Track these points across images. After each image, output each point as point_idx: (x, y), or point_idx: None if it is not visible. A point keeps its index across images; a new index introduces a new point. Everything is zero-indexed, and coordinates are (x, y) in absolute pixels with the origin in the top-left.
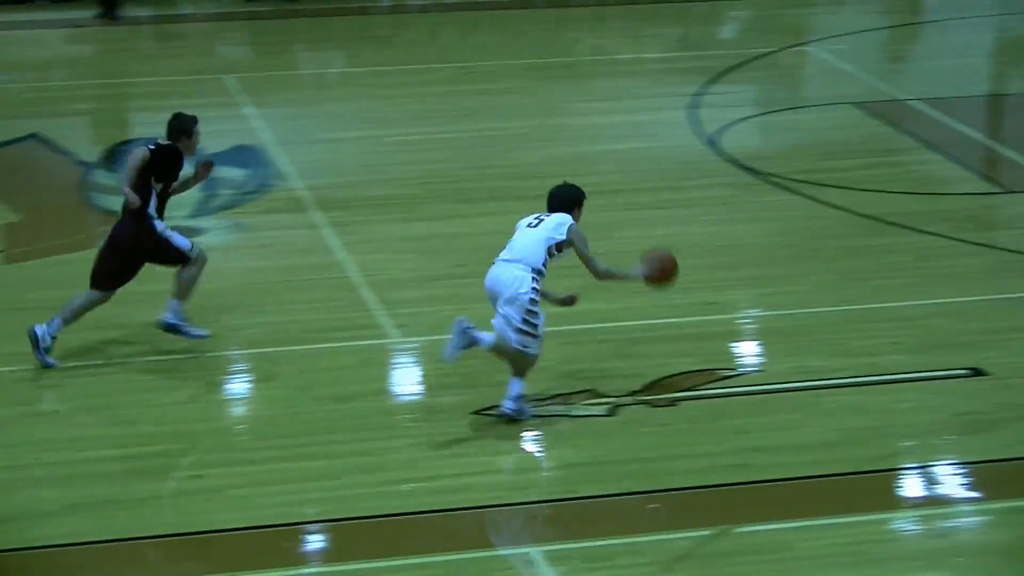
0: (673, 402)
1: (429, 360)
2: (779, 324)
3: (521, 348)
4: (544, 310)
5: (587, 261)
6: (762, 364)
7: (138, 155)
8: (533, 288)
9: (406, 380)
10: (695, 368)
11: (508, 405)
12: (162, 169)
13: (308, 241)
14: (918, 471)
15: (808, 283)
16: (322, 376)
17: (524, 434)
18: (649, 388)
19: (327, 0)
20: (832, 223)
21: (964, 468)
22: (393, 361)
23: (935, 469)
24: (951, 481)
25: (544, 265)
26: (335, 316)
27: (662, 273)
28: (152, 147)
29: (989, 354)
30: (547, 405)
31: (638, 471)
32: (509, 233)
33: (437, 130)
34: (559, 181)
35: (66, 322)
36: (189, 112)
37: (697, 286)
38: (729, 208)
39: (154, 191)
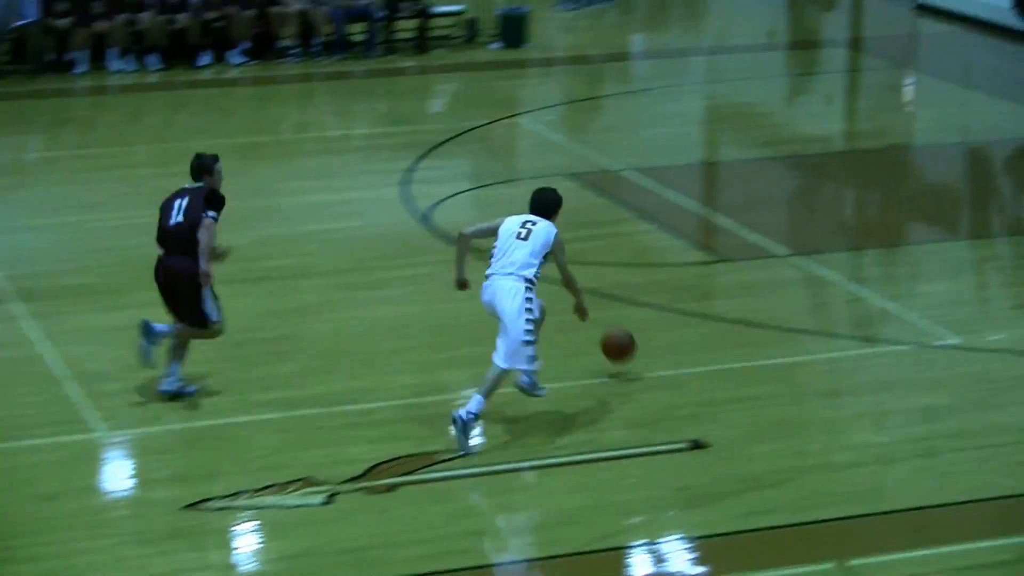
0: (392, 487)
1: (138, 454)
2: (499, 403)
3: (530, 361)
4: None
5: (563, 268)
6: (482, 444)
7: (210, 226)
8: (527, 298)
9: (114, 475)
10: (414, 452)
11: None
12: (212, 201)
13: (6, 334)
14: (641, 548)
15: None
16: (24, 474)
17: (238, 527)
18: (367, 474)
19: (22, 83)
20: (549, 298)
21: (687, 543)
22: (100, 456)
23: (658, 546)
24: (675, 557)
25: (535, 276)
26: (36, 412)
27: (621, 350)
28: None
29: (708, 426)
30: (260, 496)
31: (355, 561)
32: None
33: (141, 214)
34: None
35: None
36: None
37: (413, 367)
38: (444, 285)
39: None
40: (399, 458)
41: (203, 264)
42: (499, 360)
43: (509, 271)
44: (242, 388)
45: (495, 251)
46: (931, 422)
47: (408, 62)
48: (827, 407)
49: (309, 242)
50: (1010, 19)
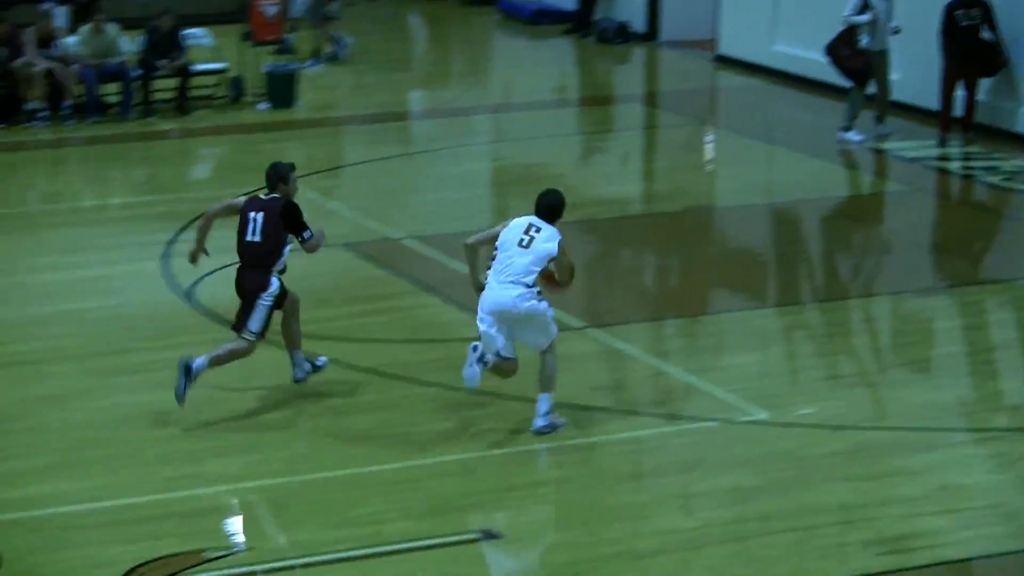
0: None
1: None
2: (272, 494)
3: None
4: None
5: (565, 268)
6: (253, 541)
7: (314, 246)
8: (529, 295)
9: None
10: (178, 551)
11: (540, 423)
12: (294, 223)
13: None
14: None
15: (301, 446)
16: None
17: None
18: None
19: None
20: (324, 377)
21: None
22: None
23: None
24: None
25: (534, 281)
26: None
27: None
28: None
29: (501, 515)
30: None
31: None
32: None
33: None
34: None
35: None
36: None
37: (176, 458)
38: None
39: (287, 248)
40: (162, 558)
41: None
42: (541, 342)
43: (510, 279)
44: None
45: (496, 255)
46: (740, 504)
47: (168, 125)
48: (629, 490)
49: (60, 323)
50: (814, 71)
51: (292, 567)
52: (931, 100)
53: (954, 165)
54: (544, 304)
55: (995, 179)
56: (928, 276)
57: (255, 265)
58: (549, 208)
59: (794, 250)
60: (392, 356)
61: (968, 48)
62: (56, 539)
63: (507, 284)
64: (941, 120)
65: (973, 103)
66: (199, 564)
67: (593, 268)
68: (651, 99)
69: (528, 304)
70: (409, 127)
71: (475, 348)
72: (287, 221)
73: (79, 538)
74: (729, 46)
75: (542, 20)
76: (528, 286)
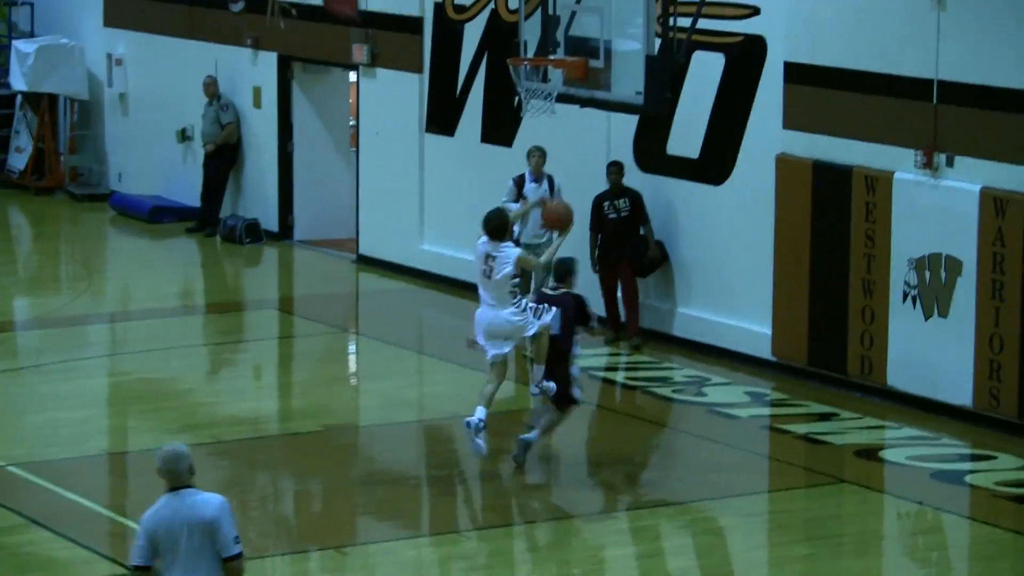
0: None
1: None
2: None
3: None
4: None
5: (535, 267)
6: None
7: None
8: (514, 310)
9: None
10: None
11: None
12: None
13: None
14: None
15: None
16: None
17: None
18: None
19: None
20: None
21: None
22: None
23: None
24: None
25: (513, 294)
26: None
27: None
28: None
29: None
30: None
31: None
32: None
33: None
34: None
35: None
36: None
37: None
38: None
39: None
40: None
41: None
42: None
43: (492, 303)
44: None
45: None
46: None
47: None
48: None
49: None
50: (466, 272)
51: None
52: (598, 302)
53: (620, 375)
54: (527, 313)
55: (666, 391)
56: (599, 499)
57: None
58: (495, 230)
59: (449, 472)
60: None
61: (616, 243)
62: None
63: (495, 306)
64: (610, 322)
65: (634, 305)
66: None
67: (227, 493)
68: (286, 304)
69: (517, 319)
70: (12, 339)
71: (468, 424)
72: (580, 313)
73: None
74: (371, 246)
75: (162, 218)
76: (512, 303)
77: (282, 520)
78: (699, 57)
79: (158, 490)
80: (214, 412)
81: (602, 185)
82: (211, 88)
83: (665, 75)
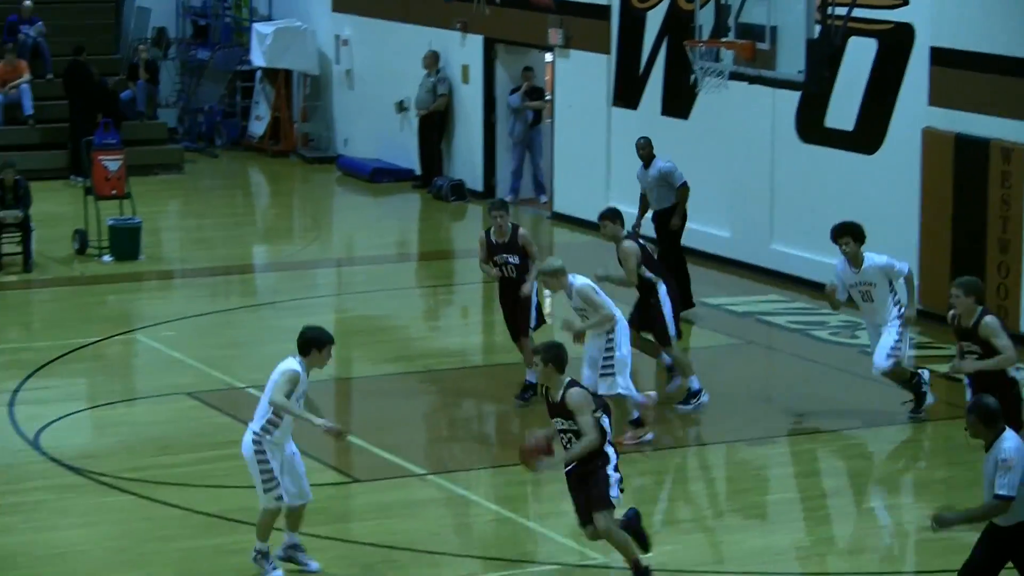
0: None
1: None
2: None
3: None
4: None
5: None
6: None
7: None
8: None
9: None
10: None
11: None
12: None
13: None
14: None
15: None
16: None
17: None
18: None
19: None
20: (171, 523)
21: None
22: None
23: None
24: None
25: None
26: None
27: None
28: None
29: None
30: None
31: None
32: None
33: None
34: None
35: None
36: None
37: None
38: (55, 513)
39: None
40: None
41: None
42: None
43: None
44: None
45: None
46: None
47: (12, 276)
48: None
49: None
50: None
51: None
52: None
53: (783, 319)
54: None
55: (823, 333)
56: (760, 426)
57: None
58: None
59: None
60: (236, 502)
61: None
62: None
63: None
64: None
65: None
66: None
67: (435, 417)
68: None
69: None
70: (252, 280)
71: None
72: None
73: None
74: (564, 204)
75: (381, 178)
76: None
77: (484, 439)
78: (854, 42)
79: (375, 410)
80: (426, 345)
81: (759, 156)
82: (431, 61)
83: (824, 56)
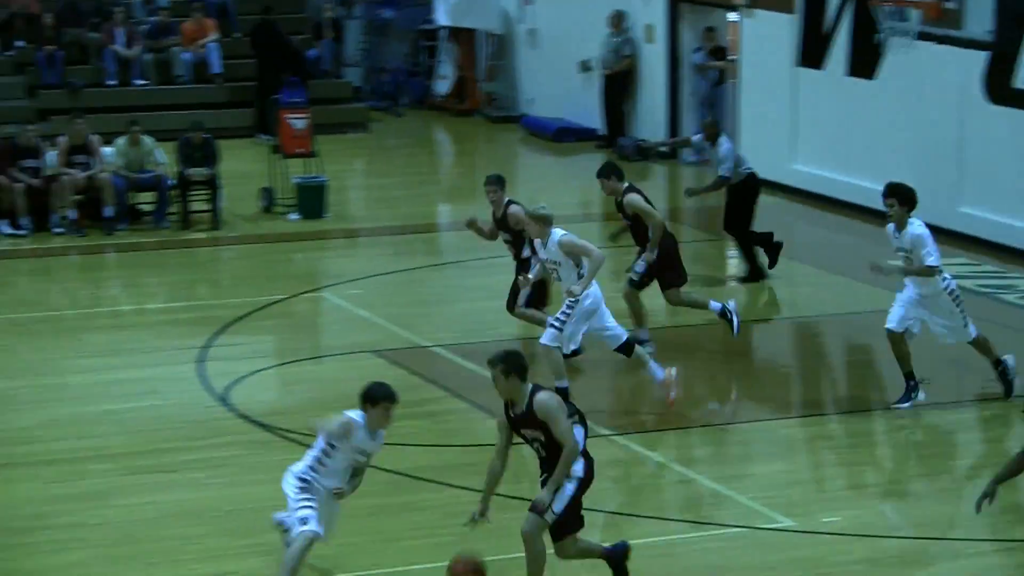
0: None
1: None
2: None
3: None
4: None
5: None
6: None
7: None
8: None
9: None
10: None
11: None
12: None
13: None
14: None
15: (333, 547)
16: None
17: None
18: None
19: None
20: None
21: None
22: None
23: None
24: None
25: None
26: None
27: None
28: None
29: None
30: None
31: None
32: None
33: None
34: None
35: None
36: None
37: (208, 556)
38: (243, 469)
39: None
40: None
41: None
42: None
43: None
44: None
45: None
46: None
47: (201, 233)
48: None
49: (100, 423)
50: (832, 189)
51: None
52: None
53: (970, 283)
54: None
55: (1012, 297)
56: (951, 391)
57: None
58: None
59: (818, 362)
60: (422, 460)
61: None
62: None
63: None
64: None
65: None
66: None
67: (620, 377)
68: (673, 215)
69: None
70: (436, 239)
71: None
72: None
73: None
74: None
75: (565, 137)
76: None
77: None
78: None
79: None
80: (612, 306)
81: (946, 118)
82: (616, 21)
83: (1013, 15)
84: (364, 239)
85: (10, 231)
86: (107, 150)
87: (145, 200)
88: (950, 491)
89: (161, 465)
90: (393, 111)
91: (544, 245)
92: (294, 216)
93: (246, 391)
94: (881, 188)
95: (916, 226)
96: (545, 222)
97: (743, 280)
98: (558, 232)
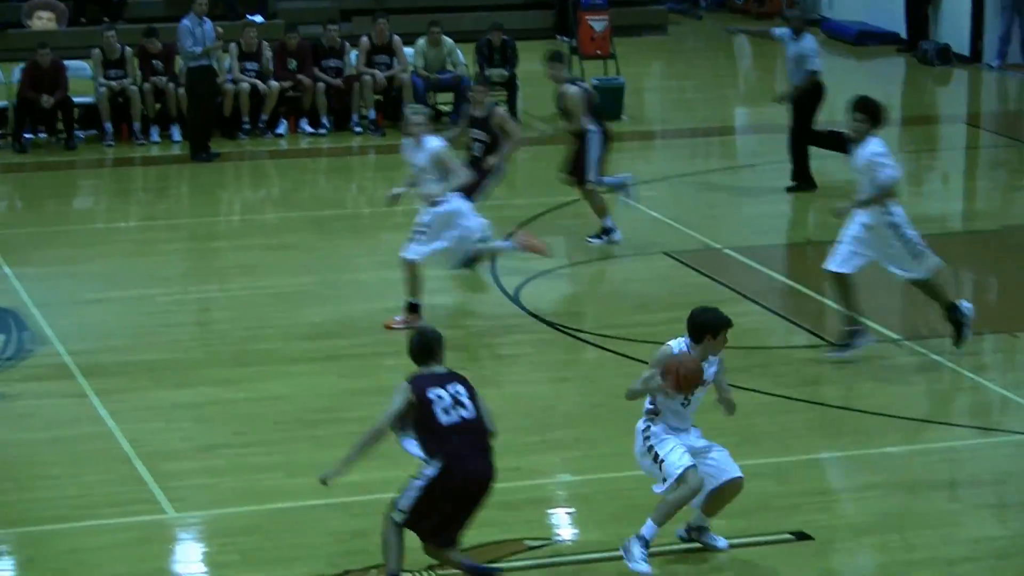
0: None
1: (208, 536)
2: (589, 490)
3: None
4: None
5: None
6: (573, 534)
7: None
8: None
9: (184, 558)
10: (500, 539)
11: None
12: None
13: (74, 410)
14: None
15: (619, 445)
16: (91, 556)
17: None
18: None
19: (100, 150)
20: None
21: None
22: (169, 538)
23: None
24: None
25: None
26: (105, 491)
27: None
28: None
29: (813, 517)
30: None
31: None
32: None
33: (214, 288)
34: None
35: None
36: None
37: (500, 450)
38: (534, 366)
39: None
40: (483, 545)
41: None
42: None
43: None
44: (315, 470)
45: None
46: None
47: None
48: (943, 498)
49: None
50: None
51: (607, 559)
52: None
53: None
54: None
55: None
56: None
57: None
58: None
59: None
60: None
61: None
62: (380, 523)
63: None
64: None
65: None
66: (522, 551)
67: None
68: (974, 119)
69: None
70: (733, 142)
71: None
72: None
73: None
74: None
75: (866, 41)
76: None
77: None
78: None
79: (860, 277)
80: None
81: None
82: None
83: None
84: (659, 141)
85: (311, 130)
86: (408, 50)
87: (444, 100)
88: None
89: (452, 361)
90: (692, 13)
91: (418, 149)
92: None
93: (536, 291)
94: None
95: (874, 143)
96: (421, 125)
97: (790, 190)
98: (433, 140)
